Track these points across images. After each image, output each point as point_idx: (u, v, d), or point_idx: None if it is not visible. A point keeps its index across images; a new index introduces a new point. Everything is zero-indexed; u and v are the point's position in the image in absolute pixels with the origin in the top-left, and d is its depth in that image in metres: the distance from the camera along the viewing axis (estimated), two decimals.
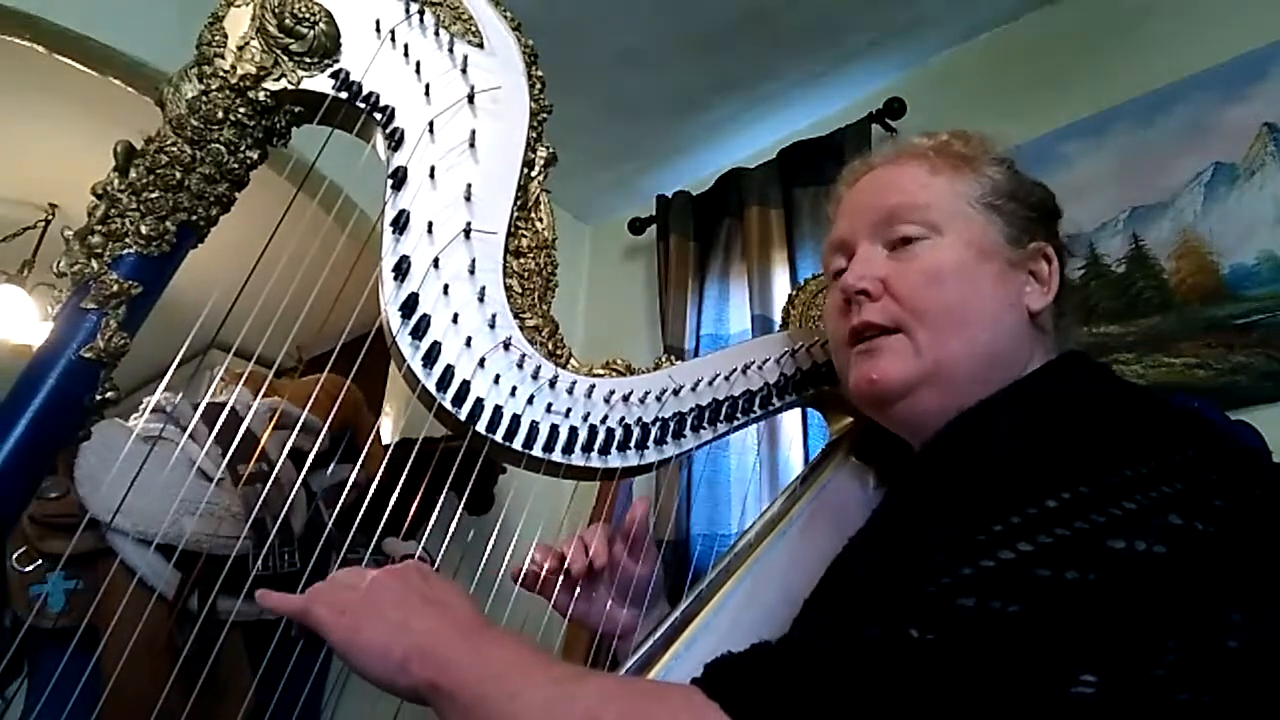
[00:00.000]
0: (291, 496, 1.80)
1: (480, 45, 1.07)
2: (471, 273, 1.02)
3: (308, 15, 0.96)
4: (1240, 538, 0.66)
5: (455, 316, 1.00)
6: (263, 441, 1.73)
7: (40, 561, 1.62)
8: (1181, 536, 0.64)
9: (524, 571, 1.12)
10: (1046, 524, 0.64)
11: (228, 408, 1.66)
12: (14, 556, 1.61)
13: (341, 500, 1.75)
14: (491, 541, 1.11)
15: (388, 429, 3.02)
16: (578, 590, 1.13)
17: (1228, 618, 0.63)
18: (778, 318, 1.65)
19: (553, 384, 1.03)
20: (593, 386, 1.06)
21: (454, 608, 0.77)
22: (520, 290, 1.05)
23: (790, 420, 2.39)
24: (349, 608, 0.78)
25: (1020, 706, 0.60)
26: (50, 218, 3.88)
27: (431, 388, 0.98)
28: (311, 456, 1.80)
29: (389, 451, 2.17)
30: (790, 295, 1.40)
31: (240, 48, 0.95)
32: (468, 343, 1.00)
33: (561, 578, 1.13)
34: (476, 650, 0.73)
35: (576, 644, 1.72)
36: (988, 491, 0.70)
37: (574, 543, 1.14)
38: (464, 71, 1.05)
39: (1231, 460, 0.71)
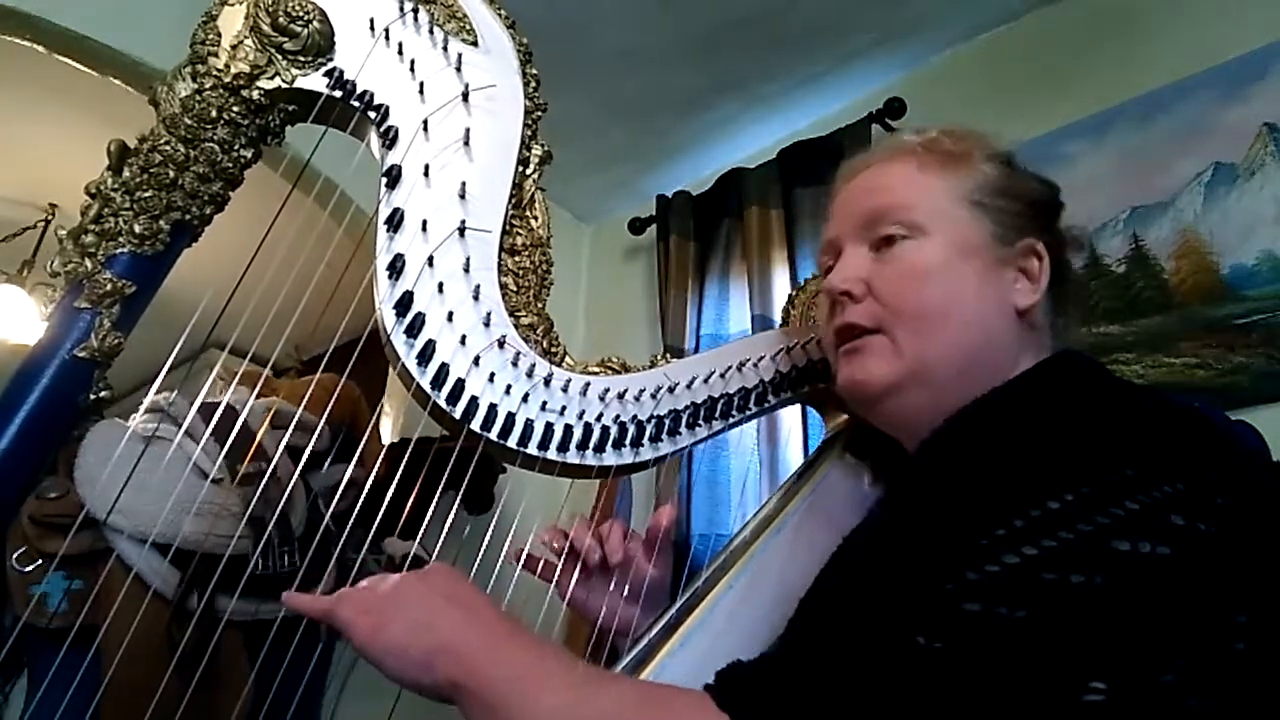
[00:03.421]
0: (290, 494, 1.80)
1: (474, 43, 1.07)
2: (466, 271, 1.02)
3: (302, 14, 0.96)
4: (1241, 537, 0.65)
5: (450, 315, 1.00)
6: (258, 436, 1.73)
7: (40, 561, 1.62)
8: (1184, 537, 0.63)
9: (525, 555, 1.13)
10: (1049, 526, 0.64)
11: (223, 404, 1.66)
12: (14, 556, 1.61)
13: (340, 498, 1.75)
14: (487, 539, 1.11)
15: (388, 428, 3.01)
16: (575, 575, 1.15)
17: (1233, 620, 0.62)
18: (778, 318, 1.65)
19: (548, 382, 1.03)
20: (588, 384, 1.06)
21: (478, 609, 0.78)
22: (515, 288, 1.05)
23: (790, 420, 2.39)
24: (373, 608, 0.79)
25: (1031, 714, 0.59)
26: (50, 218, 3.88)
27: (426, 386, 0.98)
28: (310, 454, 1.80)
29: (388, 450, 2.17)
30: (790, 295, 1.40)
31: (234, 46, 0.95)
32: (462, 341, 1.00)
33: (566, 561, 1.14)
34: (499, 651, 0.74)
35: (576, 637, 1.72)
36: (988, 494, 0.69)
37: (583, 529, 1.15)
38: (458, 70, 1.05)
39: (1230, 458, 0.71)
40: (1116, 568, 0.62)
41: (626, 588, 1.15)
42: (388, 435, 2.92)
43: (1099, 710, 0.59)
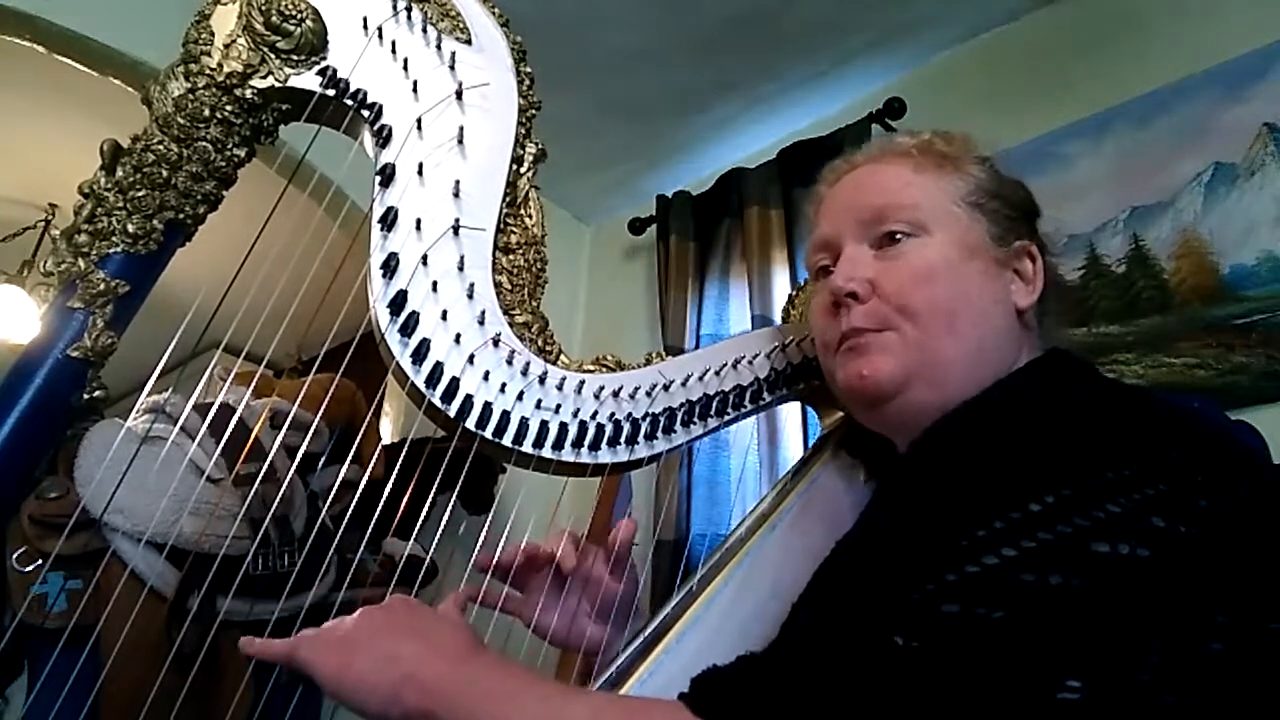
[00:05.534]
0: (291, 495, 1.80)
1: (468, 42, 1.07)
2: (460, 269, 1.02)
3: (295, 12, 0.96)
4: (1224, 539, 0.65)
5: (444, 313, 1.00)
6: (255, 433, 1.73)
7: (40, 561, 1.62)
8: (1165, 539, 0.63)
9: (481, 593, 1.09)
10: (1030, 528, 0.64)
11: (218, 403, 1.66)
12: (14, 556, 1.61)
13: (342, 499, 1.75)
14: (483, 537, 1.11)
15: (389, 428, 3.01)
16: (538, 600, 1.12)
17: (1212, 620, 0.63)
18: (777, 318, 1.65)
19: (542, 380, 1.03)
20: (582, 382, 1.05)
21: (442, 636, 0.78)
22: (509, 287, 1.05)
23: (790, 419, 2.39)
24: (335, 646, 0.78)
25: (1007, 713, 0.59)
26: (50, 218, 3.89)
27: (420, 384, 0.98)
28: (307, 453, 1.80)
29: (388, 451, 2.17)
30: (790, 295, 1.40)
31: (227, 45, 0.96)
32: (457, 339, 1.00)
33: (526, 593, 1.12)
34: (466, 675, 0.73)
35: (569, 658, 1.72)
36: (971, 495, 0.69)
37: (526, 552, 1.11)
38: (452, 68, 1.05)
39: (1217, 460, 0.71)
40: (1095, 569, 0.62)
41: (592, 606, 1.12)
42: (388, 435, 2.92)
43: (1075, 708, 0.59)
